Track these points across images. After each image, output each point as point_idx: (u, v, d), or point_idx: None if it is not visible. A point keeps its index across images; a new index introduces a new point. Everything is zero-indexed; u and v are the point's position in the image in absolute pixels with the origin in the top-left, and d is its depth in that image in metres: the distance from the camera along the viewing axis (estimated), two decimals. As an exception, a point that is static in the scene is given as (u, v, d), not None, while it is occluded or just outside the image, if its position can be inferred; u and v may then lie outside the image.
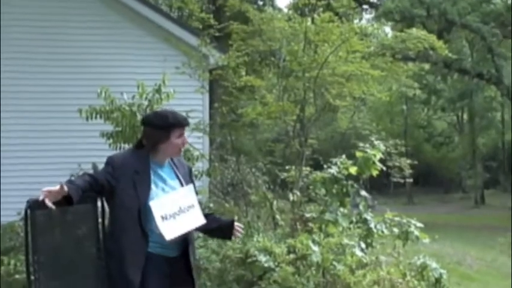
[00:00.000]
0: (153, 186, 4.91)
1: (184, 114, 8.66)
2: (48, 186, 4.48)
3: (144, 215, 4.81)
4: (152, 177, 4.94)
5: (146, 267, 4.85)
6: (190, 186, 5.11)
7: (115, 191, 4.81)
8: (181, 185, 5.06)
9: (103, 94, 8.69)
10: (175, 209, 4.91)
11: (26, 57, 12.64)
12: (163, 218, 4.83)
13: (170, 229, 4.83)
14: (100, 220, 4.95)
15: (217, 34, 10.65)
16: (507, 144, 54.90)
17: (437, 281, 7.73)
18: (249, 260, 7.15)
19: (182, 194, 5.02)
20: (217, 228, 5.27)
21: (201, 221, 5.08)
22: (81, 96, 11.11)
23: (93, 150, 10.05)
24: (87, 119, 8.88)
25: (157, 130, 4.97)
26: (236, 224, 5.30)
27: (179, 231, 4.88)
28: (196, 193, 5.26)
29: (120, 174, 4.83)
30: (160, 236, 4.82)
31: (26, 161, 12.35)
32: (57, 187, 4.46)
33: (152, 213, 4.79)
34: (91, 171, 5.64)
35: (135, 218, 4.80)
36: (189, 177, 5.21)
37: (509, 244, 19.90)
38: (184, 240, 5.02)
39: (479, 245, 21.48)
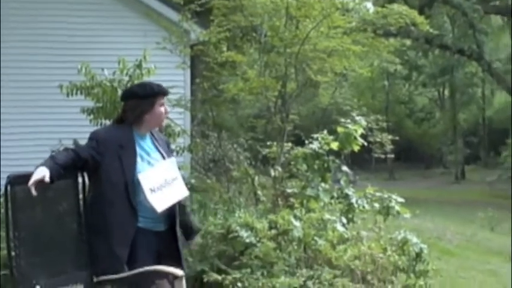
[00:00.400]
0: (138, 159, 4.92)
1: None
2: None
3: (131, 189, 4.81)
4: (137, 150, 4.95)
5: (135, 242, 4.85)
6: (172, 158, 5.14)
7: (100, 166, 4.80)
8: (163, 157, 5.08)
9: (83, 70, 8.64)
10: (161, 181, 4.94)
11: (6, 33, 12.52)
12: (152, 190, 4.85)
13: (160, 201, 4.85)
14: (81, 196, 4.93)
15: (198, 9, 10.57)
16: (488, 120, 55.24)
17: (418, 255, 7.76)
18: (231, 235, 7.16)
19: (166, 167, 5.05)
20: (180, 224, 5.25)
21: (185, 192, 5.13)
22: (61, 72, 11.03)
23: (74, 126, 10.04)
24: (67, 95, 8.84)
25: (143, 100, 4.99)
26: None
27: (168, 203, 4.91)
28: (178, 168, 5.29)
29: (105, 148, 4.83)
30: (150, 209, 4.83)
31: (6, 138, 12.27)
32: (41, 177, 4.45)
33: (140, 187, 4.81)
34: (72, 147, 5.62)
35: (122, 192, 4.80)
36: (168, 150, 5.25)
37: (489, 219, 20.08)
38: (171, 214, 5.04)
39: (459, 219, 21.66)
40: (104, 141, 4.88)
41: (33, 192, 4.42)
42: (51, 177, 4.48)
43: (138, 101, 5.01)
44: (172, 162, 5.11)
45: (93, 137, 4.93)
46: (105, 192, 4.82)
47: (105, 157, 4.81)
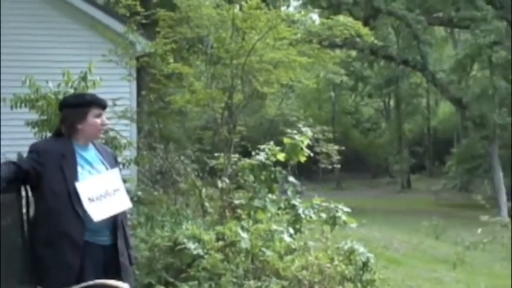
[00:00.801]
0: (79, 169, 4.88)
1: (111, 102, 8.61)
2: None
3: (75, 199, 4.77)
4: (78, 160, 4.91)
5: (83, 256, 4.81)
6: (116, 170, 5.09)
7: (42, 177, 4.76)
8: (107, 169, 5.04)
9: (28, 82, 8.55)
10: (101, 191, 4.89)
11: None
12: (90, 199, 4.80)
13: (98, 211, 4.81)
14: (24, 210, 4.87)
15: (144, 21, 10.54)
16: (432, 130, 55.97)
17: (365, 265, 7.82)
18: (178, 247, 7.14)
19: (108, 177, 5.00)
20: None
21: (128, 204, 5.08)
22: (5, 84, 10.91)
23: (18, 139, 9.90)
24: (11, 107, 8.73)
25: (75, 109, 4.97)
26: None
27: (107, 214, 4.86)
28: (124, 181, 5.25)
29: (46, 159, 4.79)
30: (94, 221, 4.79)
31: None
32: None
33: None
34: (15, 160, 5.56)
35: (66, 202, 4.76)
36: (114, 163, 5.21)
37: (434, 227, 20.32)
38: (116, 228, 5.00)
39: (405, 228, 21.86)
40: (44, 152, 4.84)
41: None
42: None
43: (71, 111, 4.99)
44: (115, 173, 5.07)
45: (33, 149, 4.89)
46: (49, 204, 4.78)
47: (47, 168, 4.77)
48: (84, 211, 4.77)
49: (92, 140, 5.06)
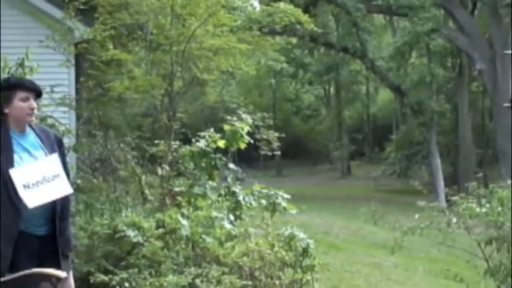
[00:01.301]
0: (15, 156, 4.81)
1: (48, 88, 8.50)
2: None
3: (11, 187, 4.70)
4: (14, 147, 4.84)
5: (17, 246, 4.75)
6: (55, 155, 5.01)
7: None
8: (46, 154, 4.97)
9: (-38, 68, 8.40)
10: (38, 177, 4.82)
11: None
12: (26, 186, 4.73)
13: (33, 197, 4.74)
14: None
15: (82, 7, 10.41)
16: (372, 117, 56.57)
17: (305, 250, 7.86)
18: (118, 235, 7.10)
19: (46, 163, 4.92)
20: None
21: (68, 190, 5.00)
22: None
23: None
24: None
25: (2, 92, 4.91)
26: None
27: (43, 200, 4.79)
28: (65, 163, 5.18)
29: None
30: (31, 211, 4.73)
31: None
32: None
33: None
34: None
35: (3, 190, 4.69)
36: (57, 147, 5.12)
37: (372, 213, 20.57)
38: (53, 218, 4.94)
39: (345, 214, 22.10)
40: None
41: None
42: None
43: (0, 94, 4.95)
44: (54, 159, 4.99)
45: None
46: None
47: None
48: (20, 199, 4.70)
49: (22, 124, 4.97)
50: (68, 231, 5.15)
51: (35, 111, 4.96)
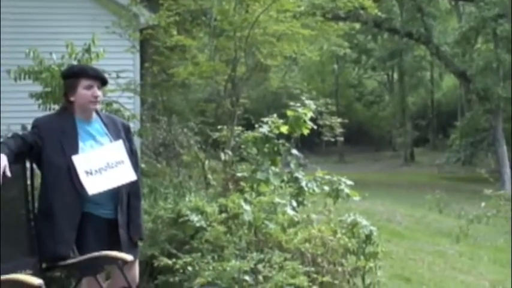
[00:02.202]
0: (80, 143, 4.89)
1: (114, 74, 8.60)
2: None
3: (74, 173, 4.78)
4: (79, 134, 4.91)
5: (84, 228, 4.84)
6: (119, 142, 5.07)
7: (43, 151, 4.78)
8: (110, 141, 5.04)
9: (31, 54, 8.53)
10: (102, 164, 4.89)
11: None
12: (88, 172, 4.81)
13: (94, 184, 4.80)
14: (29, 182, 4.90)
15: (147, -7, 10.53)
16: (436, 103, 55.88)
17: (368, 237, 7.81)
18: (181, 219, 7.14)
19: (110, 149, 4.99)
20: None
21: (132, 177, 5.06)
22: (9, 56, 10.90)
23: (22, 112, 9.91)
24: (15, 79, 8.72)
25: (66, 81, 5.02)
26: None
27: (105, 187, 4.85)
28: (134, 152, 5.24)
29: (46, 134, 4.82)
30: (98, 194, 4.81)
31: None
32: (3, 167, 4.47)
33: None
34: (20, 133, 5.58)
35: (65, 176, 4.78)
36: (124, 135, 5.19)
37: (437, 201, 20.35)
38: (118, 202, 5.00)
39: (408, 202, 21.89)
40: (45, 126, 4.88)
41: (8, 173, 4.49)
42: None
43: (64, 83, 5.09)
44: (119, 145, 5.06)
45: (34, 123, 4.96)
46: (48, 177, 4.82)
47: (47, 142, 4.80)
48: (81, 186, 4.78)
49: (87, 112, 5.03)
50: (140, 218, 5.22)
51: (99, 98, 5.03)
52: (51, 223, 4.78)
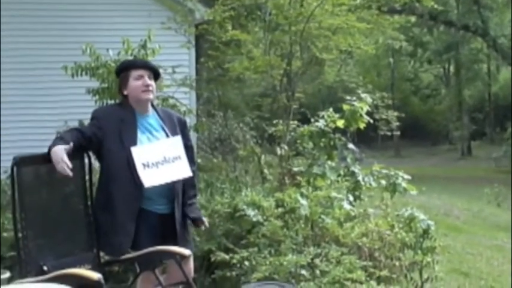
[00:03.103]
0: (139, 134, 4.91)
1: (170, 69, 8.65)
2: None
3: (133, 164, 4.81)
4: (137, 126, 4.94)
5: (139, 223, 4.86)
6: (178, 137, 5.08)
7: (103, 142, 4.82)
8: (167, 136, 5.05)
9: (88, 51, 8.61)
10: (159, 158, 4.90)
11: (8, 14, 12.48)
12: (145, 165, 4.82)
13: (150, 177, 4.82)
14: (87, 177, 4.94)
15: (202, -12, 10.57)
16: (493, 96, 55.14)
17: (425, 232, 7.73)
18: (238, 214, 7.15)
19: (168, 144, 5.00)
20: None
21: (187, 173, 5.06)
22: (66, 53, 11.00)
23: (79, 107, 10.00)
24: (72, 75, 8.81)
25: (119, 76, 5.06)
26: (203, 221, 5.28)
27: (160, 180, 4.86)
28: (190, 147, 5.26)
29: (106, 124, 4.85)
30: (153, 190, 4.83)
31: (12, 119, 12.29)
32: (66, 158, 4.52)
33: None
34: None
35: (125, 168, 4.80)
36: (179, 130, 5.20)
37: (495, 194, 20.08)
38: (174, 197, 5.02)
39: (465, 196, 21.66)
40: (105, 118, 4.91)
41: (70, 174, 4.52)
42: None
43: (118, 77, 5.13)
44: (177, 140, 5.07)
45: (94, 115, 5.00)
46: (108, 169, 4.85)
47: (106, 133, 4.83)
48: (139, 177, 4.80)
49: (142, 104, 5.05)
50: (197, 208, 5.25)
51: (151, 88, 5.04)
52: (111, 215, 4.81)
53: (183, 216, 5.10)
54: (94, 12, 13.05)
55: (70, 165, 4.49)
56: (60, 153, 4.50)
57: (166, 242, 4.91)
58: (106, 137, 4.83)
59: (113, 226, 4.81)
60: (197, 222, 5.24)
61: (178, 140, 5.08)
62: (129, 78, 5.00)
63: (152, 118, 5.10)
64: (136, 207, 4.84)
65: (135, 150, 4.83)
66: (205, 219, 5.33)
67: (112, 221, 4.81)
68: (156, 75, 5.17)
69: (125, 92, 5.03)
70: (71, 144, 4.61)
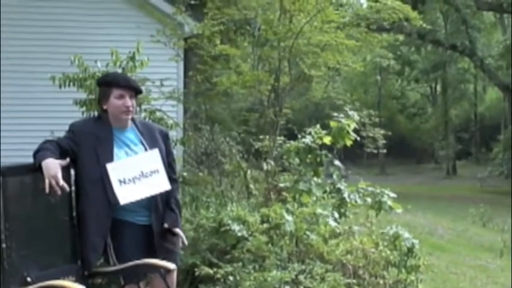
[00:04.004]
0: (115, 150, 4.88)
1: (158, 82, 8.63)
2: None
3: (107, 181, 4.77)
4: (114, 142, 4.91)
5: (122, 235, 4.84)
6: (155, 151, 5.03)
7: (78, 158, 4.79)
8: (145, 150, 5.01)
9: (76, 62, 8.60)
10: (136, 173, 4.85)
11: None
12: (121, 181, 4.77)
13: (127, 193, 4.77)
14: (73, 188, 4.92)
15: (192, 2, 10.56)
16: (479, 116, 55.44)
17: (409, 250, 7.76)
18: (223, 229, 7.14)
19: (145, 158, 4.95)
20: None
21: (166, 186, 5.02)
22: (54, 63, 11.01)
23: (66, 118, 9.96)
24: (60, 86, 8.79)
25: (100, 88, 5.02)
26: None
27: (137, 196, 4.82)
28: (171, 157, 5.23)
29: (81, 139, 4.81)
30: (132, 202, 4.81)
31: (-2, 129, 12.26)
32: (60, 172, 4.50)
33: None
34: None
35: (99, 184, 4.76)
36: (162, 142, 5.16)
37: (481, 214, 20.15)
38: (154, 208, 4.99)
39: (450, 215, 21.73)
40: (81, 133, 4.86)
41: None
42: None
43: (99, 90, 5.09)
44: (154, 154, 5.01)
45: (70, 128, 4.94)
46: (81, 185, 4.83)
47: (82, 148, 4.79)
48: (114, 195, 4.76)
49: (121, 121, 5.00)
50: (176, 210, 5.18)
51: (131, 108, 4.98)
52: (82, 230, 4.81)
53: (163, 229, 5.06)
54: (83, 23, 13.06)
55: (61, 182, 4.47)
56: (55, 168, 4.48)
57: (151, 254, 4.89)
58: (81, 152, 4.79)
59: (82, 241, 4.80)
60: (171, 231, 5.14)
61: (155, 153, 5.02)
62: (110, 95, 4.92)
63: (131, 132, 5.04)
64: (107, 224, 4.80)
65: (110, 167, 4.79)
66: (182, 234, 5.20)
67: (82, 236, 4.80)
68: (138, 92, 5.11)
69: (104, 107, 4.98)
70: (68, 159, 4.60)
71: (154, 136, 5.13)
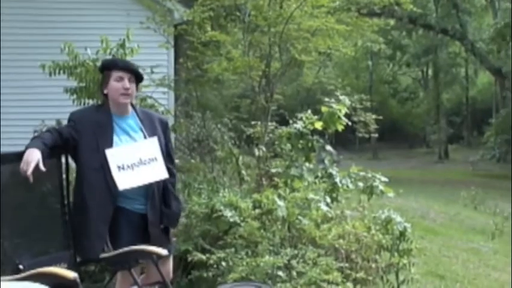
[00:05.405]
0: (115, 137, 4.90)
1: (149, 69, 8.62)
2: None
3: (107, 167, 4.79)
4: (114, 129, 4.92)
5: (118, 222, 4.85)
6: (154, 138, 5.06)
7: (78, 145, 4.80)
8: (145, 137, 5.03)
9: (66, 49, 8.58)
10: (134, 160, 4.88)
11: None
12: (120, 167, 4.80)
13: (125, 179, 4.80)
14: (64, 176, 4.92)
15: (181, -12, 10.55)
16: (471, 100, 55.47)
17: (402, 234, 7.77)
18: (215, 215, 7.15)
19: (144, 146, 4.98)
20: None
21: (163, 175, 5.04)
22: (43, 51, 10.97)
23: (57, 107, 9.97)
24: (50, 74, 8.78)
25: (102, 74, 5.03)
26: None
27: (135, 183, 4.85)
28: (170, 146, 5.24)
29: (82, 127, 4.83)
30: (131, 189, 4.82)
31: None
32: (36, 162, 4.45)
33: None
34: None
35: (99, 170, 4.78)
36: (161, 131, 5.18)
37: (472, 198, 20.20)
38: (151, 196, 5.00)
39: (442, 199, 21.77)
40: (81, 120, 4.89)
41: (31, 179, 4.43)
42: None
43: (101, 76, 5.11)
44: (153, 142, 5.04)
45: (71, 117, 4.97)
46: (82, 172, 4.83)
47: (82, 136, 4.81)
48: (113, 180, 4.78)
49: (120, 106, 5.02)
50: (174, 207, 5.21)
51: (130, 91, 5.00)
52: (84, 218, 4.80)
53: (161, 217, 5.08)
54: (73, 10, 13.02)
55: (29, 173, 4.43)
56: (32, 157, 4.46)
57: (147, 241, 4.91)
58: (82, 139, 4.82)
59: (85, 229, 4.80)
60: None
61: (154, 141, 5.05)
62: (110, 78, 4.98)
63: (131, 119, 5.08)
64: (110, 211, 4.82)
65: (110, 153, 4.81)
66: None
67: (85, 224, 4.80)
68: (138, 78, 5.13)
69: (105, 91, 5.01)
70: (39, 150, 4.57)
71: (154, 124, 5.17)
